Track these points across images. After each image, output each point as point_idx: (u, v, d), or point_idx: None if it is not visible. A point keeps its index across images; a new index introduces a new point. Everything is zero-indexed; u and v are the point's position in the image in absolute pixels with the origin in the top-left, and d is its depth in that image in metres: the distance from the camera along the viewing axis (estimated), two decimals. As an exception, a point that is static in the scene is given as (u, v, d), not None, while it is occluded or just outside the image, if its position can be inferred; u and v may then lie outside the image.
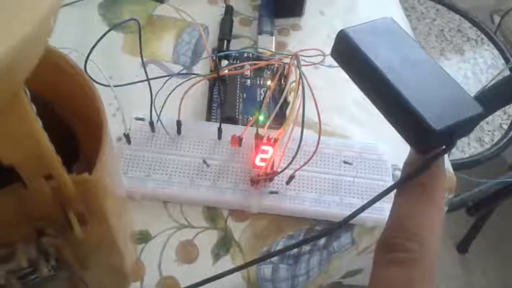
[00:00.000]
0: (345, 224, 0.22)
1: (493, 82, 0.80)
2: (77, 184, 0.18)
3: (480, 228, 0.99)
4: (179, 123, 0.35)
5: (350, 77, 0.22)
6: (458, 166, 0.75)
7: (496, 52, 0.93)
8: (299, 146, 0.30)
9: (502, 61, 0.92)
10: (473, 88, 0.84)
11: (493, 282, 1.02)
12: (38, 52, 0.13)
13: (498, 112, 0.84)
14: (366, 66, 0.21)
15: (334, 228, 0.24)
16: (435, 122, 0.19)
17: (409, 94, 0.20)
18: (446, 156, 0.41)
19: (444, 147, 0.20)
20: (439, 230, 0.20)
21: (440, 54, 0.90)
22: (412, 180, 0.20)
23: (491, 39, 0.95)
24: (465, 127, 0.20)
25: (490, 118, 0.83)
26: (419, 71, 0.21)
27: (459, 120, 0.19)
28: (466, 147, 0.78)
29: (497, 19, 1.08)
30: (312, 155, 0.31)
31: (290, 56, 0.33)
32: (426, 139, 0.19)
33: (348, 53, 0.22)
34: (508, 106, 0.84)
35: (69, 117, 0.23)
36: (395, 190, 0.21)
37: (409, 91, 0.20)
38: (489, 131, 0.81)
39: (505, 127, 0.81)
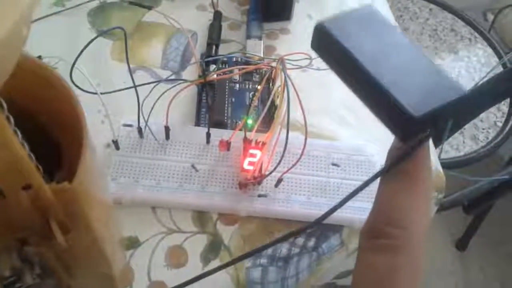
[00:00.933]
0: (322, 220, 0.22)
1: (485, 79, 0.80)
2: (57, 193, 0.18)
3: (479, 225, 0.99)
4: (167, 129, 0.35)
5: (330, 68, 0.22)
6: (453, 164, 0.75)
7: (489, 50, 0.93)
8: (284, 149, 0.30)
9: (496, 59, 0.93)
10: (466, 85, 0.84)
11: (491, 279, 1.02)
12: (11, 60, 0.14)
13: (493, 110, 0.84)
14: (344, 57, 0.21)
15: (310, 226, 0.24)
16: (414, 108, 0.18)
17: (387, 82, 0.19)
18: (435, 153, 0.41)
19: (427, 133, 0.20)
20: (425, 217, 0.20)
21: (434, 53, 0.90)
22: (396, 168, 0.20)
23: (484, 37, 0.95)
24: (449, 111, 0.19)
25: (484, 115, 0.83)
26: (400, 58, 0.21)
27: (440, 104, 0.19)
28: (461, 145, 0.79)
29: (490, 17, 1.08)
30: (299, 158, 0.32)
31: (276, 60, 0.33)
32: (407, 127, 0.19)
33: (326, 45, 0.22)
34: (502, 103, 0.85)
35: (52, 126, 0.23)
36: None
37: (388, 79, 0.19)
38: (483, 129, 0.81)
39: (500, 124, 0.81)
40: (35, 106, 0.23)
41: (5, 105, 0.16)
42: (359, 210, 0.34)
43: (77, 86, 0.29)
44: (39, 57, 0.38)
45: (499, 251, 1.05)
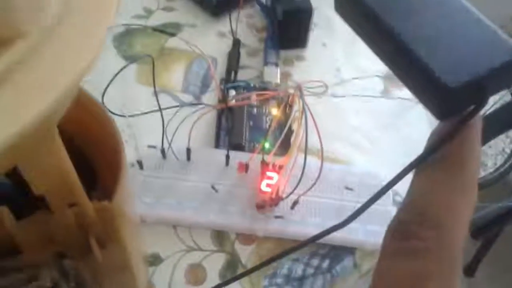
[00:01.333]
0: (321, 237, 0.19)
1: (495, 106, 0.81)
2: (97, 211, 0.20)
3: (487, 251, 0.99)
4: (188, 150, 0.36)
5: (357, 34, 0.19)
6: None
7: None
8: (302, 173, 0.32)
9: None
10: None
11: (500, 307, 1.01)
12: (70, 102, 0.15)
13: (501, 136, 0.85)
14: (370, 19, 0.17)
15: (309, 241, 0.20)
16: (452, 77, 0.15)
17: (421, 46, 0.16)
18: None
19: (473, 107, 0.16)
20: (467, 213, 0.16)
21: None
22: (435, 153, 0.16)
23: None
24: (500, 77, 0.16)
25: (492, 142, 0.84)
26: (438, 12, 0.17)
27: (487, 70, 0.15)
28: (470, 171, 0.80)
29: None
30: (315, 182, 0.33)
31: (294, 88, 0.35)
32: (443, 101, 0.16)
33: (351, 7, 0.19)
34: (510, 131, 0.86)
35: (87, 148, 0.25)
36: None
37: (421, 43, 0.16)
38: (491, 155, 0.82)
39: (508, 151, 0.82)
40: (75, 130, 0.24)
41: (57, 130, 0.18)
42: (371, 233, 0.35)
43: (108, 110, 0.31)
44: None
45: (508, 278, 1.04)
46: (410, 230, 0.16)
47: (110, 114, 0.23)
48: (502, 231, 0.93)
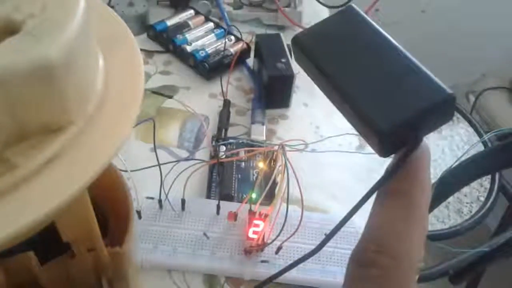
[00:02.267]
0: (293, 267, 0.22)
1: (466, 155, 0.87)
2: (111, 256, 0.24)
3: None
4: (183, 201, 0.40)
5: (314, 81, 0.21)
6: (439, 236, 0.80)
7: (471, 129, 1.01)
8: (285, 221, 0.36)
9: (477, 137, 1.01)
10: (450, 161, 0.91)
11: None
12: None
13: (476, 186, 0.91)
14: (316, 70, 0.19)
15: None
16: (385, 121, 0.17)
17: (359, 94, 0.18)
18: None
19: (407, 146, 0.17)
20: (419, 241, 0.18)
21: (419, 132, 0.98)
22: (386, 187, 0.18)
23: (466, 118, 1.04)
24: (431, 117, 0.17)
25: (468, 190, 0.89)
26: (377, 62, 0.18)
27: (418, 111, 0.17)
28: (446, 218, 0.84)
29: (472, 98, 1.18)
30: (297, 229, 0.37)
31: (278, 146, 0.40)
32: (382, 141, 0.17)
33: (302, 58, 0.20)
34: (484, 179, 0.91)
35: (100, 200, 0.29)
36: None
37: (360, 90, 0.18)
38: (467, 203, 0.87)
39: (482, 199, 0.87)
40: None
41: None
42: (330, 273, 0.39)
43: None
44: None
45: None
46: (367, 258, 0.18)
47: (121, 174, 0.27)
48: (482, 276, 0.96)
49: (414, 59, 0.18)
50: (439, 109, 0.17)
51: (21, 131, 0.16)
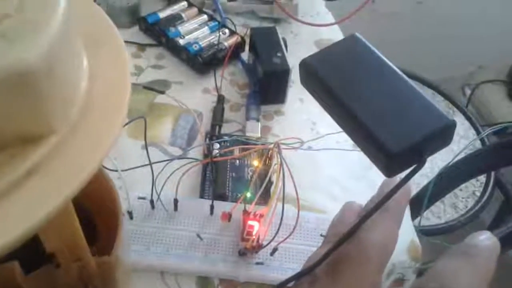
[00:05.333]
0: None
1: (464, 151, 0.86)
2: (98, 265, 0.23)
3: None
4: (176, 201, 0.39)
5: (320, 104, 0.22)
6: (434, 231, 0.79)
7: (467, 123, 1.01)
8: (280, 222, 0.35)
9: (473, 131, 1.00)
10: (445, 155, 0.91)
11: None
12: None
13: (472, 180, 0.90)
14: (326, 92, 0.21)
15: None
16: (394, 143, 0.18)
17: (368, 117, 0.19)
18: (410, 220, 0.46)
19: (414, 166, 0.19)
20: (392, 234, 0.23)
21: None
22: (385, 202, 0.21)
23: (462, 111, 1.03)
24: (434, 141, 0.19)
25: (463, 185, 0.88)
26: (383, 89, 0.20)
27: (423, 136, 0.18)
28: (442, 213, 0.84)
29: (468, 91, 1.17)
30: (293, 230, 0.36)
31: (273, 144, 0.39)
32: (389, 162, 0.19)
33: (311, 81, 0.22)
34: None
35: (88, 205, 0.28)
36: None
37: (369, 115, 0.19)
38: (463, 198, 0.87)
39: (478, 194, 0.87)
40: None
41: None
42: None
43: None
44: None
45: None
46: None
47: (107, 173, 0.26)
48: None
49: (417, 87, 0.20)
50: (442, 134, 0.19)
51: (-3, 141, 0.14)
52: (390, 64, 0.21)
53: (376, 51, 0.21)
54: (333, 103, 0.20)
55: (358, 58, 0.21)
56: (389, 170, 0.20)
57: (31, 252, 0.22)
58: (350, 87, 0.20)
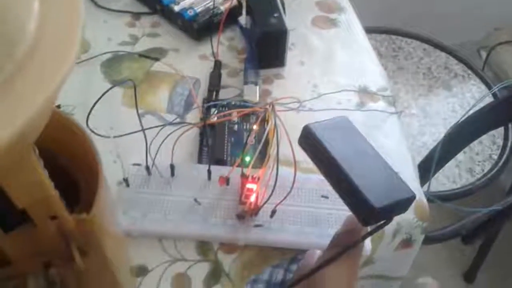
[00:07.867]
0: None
1: (475, 108, 0.83)
2: (77, 222, 0.22)
3: (485, 256, 0.99)
4: (172, 166, 0.39)
5: (313, 162, 0.29)
6: (450, 196, 0.77)
7: (483, 86, 0.97)
8: (275, 183, 0.34)
9: (490, 94, 0.96)
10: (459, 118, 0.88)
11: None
12: (44, 122, 0.18)
13: (488, 143, 0.87)
14: (325, 155, 0.27)
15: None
16: (376, 201, 0.25)
17: (356, 179, 0.25)
18: (419, 186, 0.45)
19: (383, 221, 0.26)
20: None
21: (428, 91, 0.94)
22: (350, 249, 0.27)
23: (477, 74, 0.99)
24: (400, 206, 0.26)
25: (480, 149, 0.86)
26: (365, 160, 0.27)
27: (395, 200, 0.25)
28: (458, 178, 0.81)
29: (483, 54, 1.13)
30: (290, 191, 0.35)
31: (268, 104, 0.38)
32: (370, 215, 0.25)
33: (311, 144, 0.28)
34: (497, 137, 0.88)
35: (72, 168, 0.27)
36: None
37: (356, 176, 0.26)
38: (479, 161, 0.84)
39: (495, 157, 0.84)
40: (57, 150, 0.27)
41: (37, 150, 0.20)
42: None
43: (92, 131, 0.33)
44: (58, 106, 0.43)
45: (508, 282, 1.05)
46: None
47: (89, 134, 0.25)
48: (497, 236, 0.94)
49: (390, 164, 0.28)
50: (407, 202, 0.26)
51: None
52: (369, 143, 0.29)
53: (359, 132, 0.29)
54: (327, 161, 0.27)
55: (347, 134, 0.28)
56: (365, 220, 0.26)
57: (10, 212, 0.22)
58: (342, 152, 0.27)
